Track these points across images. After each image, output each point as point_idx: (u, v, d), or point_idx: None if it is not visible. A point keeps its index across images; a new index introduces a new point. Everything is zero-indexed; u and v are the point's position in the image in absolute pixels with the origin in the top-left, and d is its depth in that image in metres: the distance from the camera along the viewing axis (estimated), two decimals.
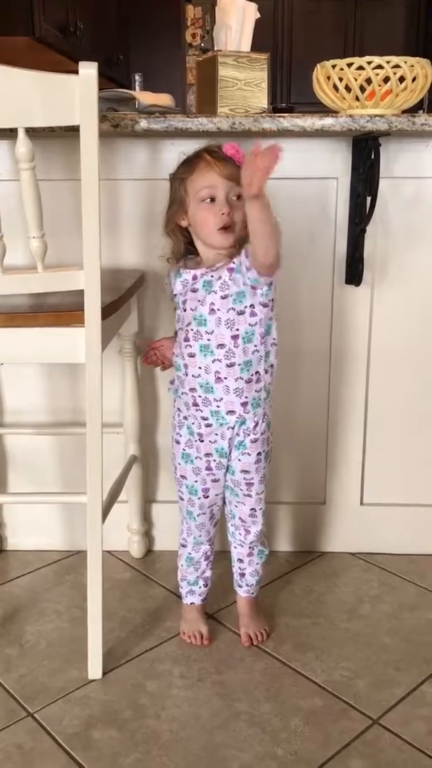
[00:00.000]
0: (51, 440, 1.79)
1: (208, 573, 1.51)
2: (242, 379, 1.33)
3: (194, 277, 1.31)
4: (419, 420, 1.76)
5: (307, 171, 1.60)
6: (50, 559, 1.81)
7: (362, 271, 1.61)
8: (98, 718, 1.29)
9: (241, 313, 1.29)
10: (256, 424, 1.37)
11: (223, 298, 1.29)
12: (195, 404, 1.35)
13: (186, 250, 1.35)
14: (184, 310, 1.33)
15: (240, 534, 1.47)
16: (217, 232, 1.25)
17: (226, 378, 1.32)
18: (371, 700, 1.33)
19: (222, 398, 1.33)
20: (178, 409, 1.41)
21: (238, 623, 1.51)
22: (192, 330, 1.32)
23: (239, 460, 1.39)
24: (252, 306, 1.30)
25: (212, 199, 1.25)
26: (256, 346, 1.32)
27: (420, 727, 1.26)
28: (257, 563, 1.49)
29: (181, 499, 1.46)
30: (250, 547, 1.47)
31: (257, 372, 1.34)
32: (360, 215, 1.57)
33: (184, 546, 1.50)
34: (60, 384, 1.76)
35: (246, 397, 1.34)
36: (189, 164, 1.28)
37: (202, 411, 1.36)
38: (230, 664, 1.43)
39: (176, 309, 1.37)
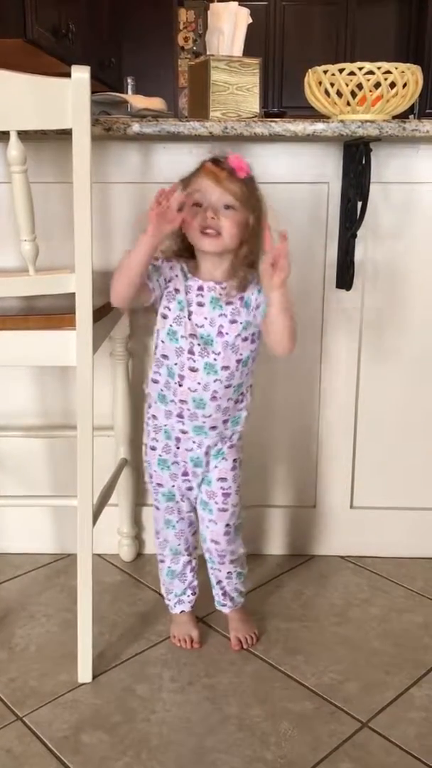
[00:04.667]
0: (41, 443, 1.79)
1: (195, 582, 1.50)
2: (232, 399, 1.35)
3: (200, 288, 1.30)
4: (409, 424, 1.77)
5: (298, 175, 1.61)
6: (40, 562, 1.80)
7: (353, 275, 1.62)
8: (88, 721, 1.28)
9: (245, 339, 1.31)
10: (233, 434, 1.39)
11: (232, 323, 1.30)
12: (179, 415, 1.34)
13: (179, 253, 1.33)
14: (190, 318, 1.30)
15: (215, 558, 1.45)
16: (200, 235, 1.24)
17: (221, 398, 1.33)
18: (361, 704, 1.33)
19: (211, 415, 1.34)
20: (154, 416, 1.38)
21: (228, 627, 1.51)
22: (199, 345, 1.30)
23: (216, 467, 1.39)
24: (253, 333, 1.32)
25: (200, 205, 1.24)
26: (249, 368, 1.35)
27: (409, 730, 1.27)
28: (236, 583, 1.48)
29: (158, 508, 1.44)
30: (228, 572, 1.46)
31: (243, 393, 1.37)
32: (351, 220, 1.58)
33: (162, 561, 1.49)
34: (51, 387, 1.76)
35: (229, 415, 1.36)
36: (193, 171, 1.28)
37: (184, 424, 1.35)
38: (220, 667, 1.43)
39: (168, 300, 1.30)
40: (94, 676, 1.39)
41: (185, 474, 1.40)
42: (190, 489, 1.42)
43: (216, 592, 1.49)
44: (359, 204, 1.55)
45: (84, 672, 1.38)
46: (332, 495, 1.81)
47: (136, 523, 1.81)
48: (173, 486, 1.41)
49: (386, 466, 1.79)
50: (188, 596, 1.50)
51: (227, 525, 1.41)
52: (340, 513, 1.82)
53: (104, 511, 1.47)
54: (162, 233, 1.21)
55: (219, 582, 1.48)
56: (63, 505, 1.56)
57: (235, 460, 1.40)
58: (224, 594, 1.48)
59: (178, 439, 1.37)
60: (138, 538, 1.82)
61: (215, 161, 1.25)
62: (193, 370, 1.30)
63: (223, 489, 1.39)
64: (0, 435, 1.76)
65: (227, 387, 1.32)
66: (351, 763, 1.20)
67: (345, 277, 1.63)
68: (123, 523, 1.78)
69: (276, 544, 1.84)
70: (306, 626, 1.56)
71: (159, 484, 1.42)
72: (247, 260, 1.28)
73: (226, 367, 1.31)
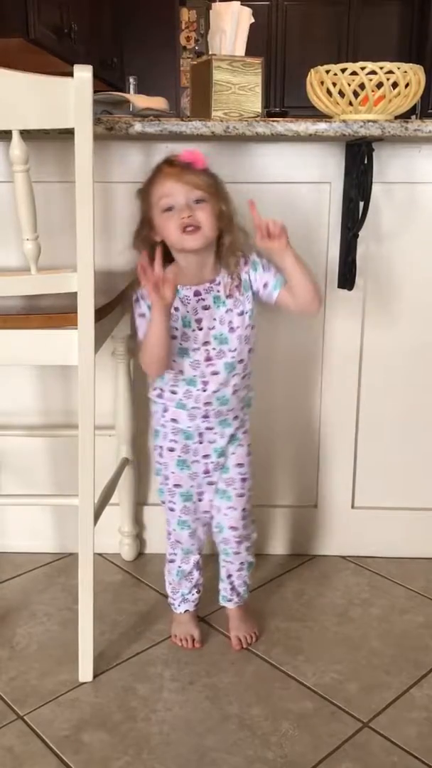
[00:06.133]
0: (43, 442, 1.79)
1: (201, 581, 1.50)
2: (246, 387, 1.38)
3: (197, 293, 1.29)
4: (410, 424, 1.76)
5: (300, 175, 1.61)
6: (41, 561, 1.80)
7: (354, 275, 1.62)
8: (88, 721, 1.28)
9: (252, 327, 1.33)
10: (245, 412, 1.42)
11: (240, 315, 1.31)
12: (205, 416, 1.35)
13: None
14: (200, 330, 1.30)
15: (231, 548, 1.45)
16: (181, 235, 1.24)
17: (238, 390, 1.36)
18: (361, 704, 1.33)
19: (233, 407, 1.37)
20: (174, 419, 1.37)
21: (229, 626, 1.51)
22: (214, 350, 1.31)
23: (233, 453, 1.41)
24: (253, 318, 1.34)
25: (171, 209, 1.24)
26: (253, 350, 1.37)
27: (410, 730, 1.27)
28: (246, 575, 1.49)
29: (172, 510, 1.44)
30: (240, 563, 1.47)
31: (249, 373, 1.39)
32: (353, 220, 1.58)
33: (172, 561, 1.49)
34: (52, 386, 1.76)
35: (244, 401, 1.40)
36: (149, 179, 1.28)
37: (210, 422, 1.36)
38: (221, 667, 1.43)
39: (173, 321, 1.28)
40: (95, 675, 1.39)
41: (206, 471, 1.41)
42: (210, 484, 1.42)
43: (224, 586, 1.49)
44: (361, 204, 1.55)
45: (85, 671, 1.38)
46: (333, 495, 1.81)
47: (137, 522, 1.81)
48: (192, 486, 1.42)
49: (387, 466, 1.79)
50: (193, 595, 1.50)
51: (244, 509, 1.44)
52: (341, 513, 1.82)
53: (105, 511, 1.47)
54: (168, 299, 1.21)
55: (229, 576, 1.48)
56: (64, 505, 1.57)
57: (249, 445, 1.43)
58: (232, 588, 1.49)
59: (201, 435, 1.38)
60: (139, 538, 1.82)
61: (169, 162, 1.25)
62: (215, 373, 1.32)
63: (241, 474, 1.42)
64: (1, 434, 1.76)
65: (243, 377, 1.36)
66: (351, 762, 1.20)
67: (347, 277, 1.63)
68: (124, 523, 1.79)
69: (277, 544, 1.84)
70: (307, 626, 1.56)
71: (177, 485, 1.42)
72: (232, 248, 1.28)
73: (241, 360, 1.33)
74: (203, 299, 1.30)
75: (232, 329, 1.31)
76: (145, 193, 1.28)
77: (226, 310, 1.30)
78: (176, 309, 1.29)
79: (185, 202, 1.23)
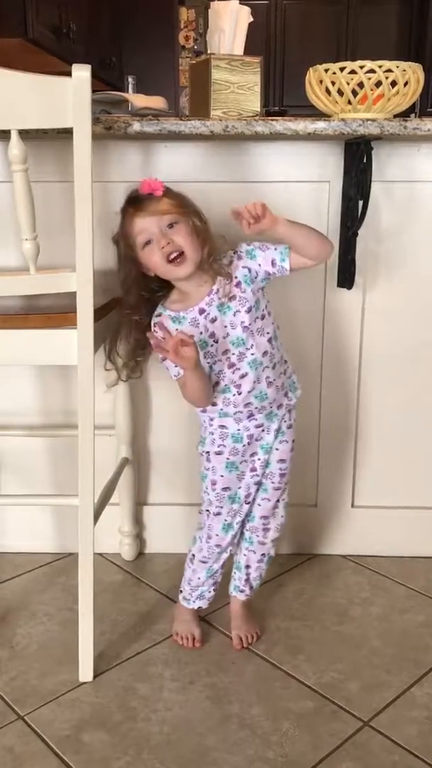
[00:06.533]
0: (42, 442, 1.79)
1: (220, 578, 1.51)
2: (282, 373, 1.38)
3: (202, 311, 1.29)
4: (410, 422, 1.76)
5: (300, 174, 1.61)
6: (41, 561, 1.80)
7: (354, 274, 1.62)
8: (89, 720, 1.28)
9: (262, 318, 1.33)
10: (290, 410, 1.42)
11: (248, 311, 1.30)
12: (250, 415, 1.36)
13: (146, 303, 1.33)
14: (215, 342, 1.30)
15: (258, 536, 1.47)
16: (169, 266, 1.25)
17: (274, 380, 1.35)
18: (362, 703, 1.33)
19: (274, 399, 1.37)
20: (223, 426, 1.37)
21: (230, 626, 1.51)
22: (234, 355, 1.31)
23: (277, 449, 1.41)
24: (265, 307, 1.34)
25: (148, 242, 1.24)
26: (279, 339, 1.37)
27: (410, 729, 1.27)
28: (263, 569, 1.50)
29: (218, 514, 1.43)
30: (261, 555, 1.48)
31: (285, 360, 1.41)
32: (352, 218, 1.58)
33: (204, 562, 1.47)
34: (52, 386, 1.76)
35: (285, 387, 1.40)
36: (120, 224, 1.28)
37: (257, 419, 1.37)
38: (221, 666, 1.43)
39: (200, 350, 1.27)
40: (95, 675, 1.39)
41: (253, 470, 1.41)
42: (258, 483, 1.43)
43: (239, 576, 1.50)
44: (360, 203, 1.55)
45: (85, 671, 1.38)
46: (333, 494, 1.81)
47: (138, 522, 1.81)
48: (239, 488, 1.42)
49: (388, 466, 1.79)
50: (211, 593, 1.50)
51: (277, 501, 1.45)
52: (341, 512, 1.81)
53: (105, 511, 1.47)
54: (192, 359, 1.21)
55: (248, 566, 1.49)
56: (64, 504, 1.57)
57: (293, 441, 1.44)
58: (246, 580, 1.49)
59: (250, 436, 1.38)
60: (139, 537, 1.82)
61: (131, 200, 1.26)
62: (243, 376, 1.32)
63: (281, 470, 1.43)
64: (1, 434, 1.76)
65: (274, 368, 1.35)
66: (352, 762, 1.20)
67: (346, 276, 1.63)
68: (124, 523, 1.78)
69: (277, 543, 1.83)
70: (307, 625, 1.56)
71: (225, 488, 1.41)
72: (212, 255, 1.28)
73: (265, 353, 1.33)
74: (209, 313, 1.29)
75: (245, 328, 1.30)
76: (121, 237, 1.28)
77: (233, 313, 1.29)
78: (191, 336, 1.27)
79: (159, 230, 1.24)
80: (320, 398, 1.75)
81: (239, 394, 1.33)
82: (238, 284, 1.30)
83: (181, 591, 1.52)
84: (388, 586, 1.71)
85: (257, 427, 1.38)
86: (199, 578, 1.48)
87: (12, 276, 1.26)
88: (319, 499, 1.81)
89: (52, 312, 1.27)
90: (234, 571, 1.51)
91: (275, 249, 1.31)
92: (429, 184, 1.62)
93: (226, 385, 1.33)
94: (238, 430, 1.37)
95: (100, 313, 1.28)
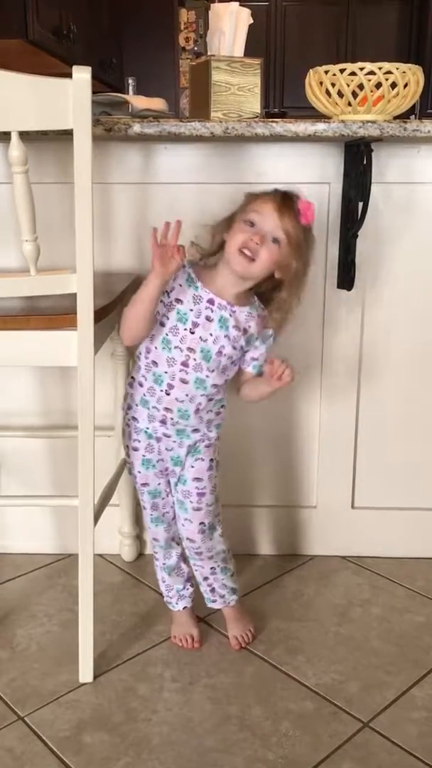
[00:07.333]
0: (43, 443, 1.79)
1: (191, 572, 1.50)
2: (213, 411, 1.37)
3: (211, 301, 1.29)
4: (409, 424, 1.77)
5: (300, 176, 1.61)
6: (41, 562, 1.80)
7: (354, 275, 1.62)
8: (89, 721, 1.28)
9: (234, 363, 1.34)
10: (211, 431, 1.40)
11: (234, 348, 1.31)
12: (162, 422, 1.35)
13: (204, 254, 1.34)
14: (192, 332, 1.29)
15: (192, 557, 1.46)
16: (236, 252, 1.24)
17: (203, 410, 1.34)
18: (362, 704, 1.33)
19: (194, 426, 1.36)
20: (135, 418, 1.38)
21: (226, 627, 1.51)
22: (194, 360, 1.29)
23: (192, 467, 1.39)
24: (241, 364, 1.36)
25: (252, 225, 1.24)
26: (227, 385, 1.38)
27: (410, 730, 1.27)
28: (223, 578, 1.48)
29: (145, 508, 1.44)
30: (211, 568, 1.46)
31: (223, 405, 1.40)
32: (352, 220, 1.58)
33: (157, 559, 1.49)
34: (52, 387, 1.76)
35: (210, 421, 1.39)
36: (260, 193, 1.28)
37: (167, 428, 1.35)
38: (221, 667, 1.43)
39: (168, 310, 1.29)
40: (95, 676, 1.39)
41: (165, 471, 1.41)
42: (173, 484, 1.42)
43: (204, 588, 1.49)
44: (360, 204, 1.55)
45: (85, 672, 1.38)
46: (333, 495, 1.81)
47: (137, 523, 1.81)
48: (159, 483, 1.41)
49: (387, 466, 1.79)
50: (188, 590, 1.50)
51: (201, 523, 1.41)
52: (340, 513, 1.82)
53: (105, 511, 1.47)
54: (169, 271, 1.22)
55: (206, 579, 1.48)
56: (64, 505, 1.57)
57: (211, 460, 1.40)
58: (212, 590, 1.49)
59: (158, 440, 1.37)
60: (139, 538, 1.82)
61: (287, 195, 1.26)
62: (183, 381, 1.30)
63: (198, 489, 1.39)
64: (1, 435, 1.76)
65: (210, 400, 1.34)
66: (352, 763, 1.20)
67: (346, 278, 1.63)
68: (124, 523, 1.79)
69: (277, 545, 1.84)
70: (307, 626, 1.56)
71: (144, 484, 1.42)
72: (283, 304, 1.30)
73: (215, 385, 1.32)
74: (212, 311, 1.29)
75: (220, 353, 1.30)
76: (247, 199, 1.29)
77: (224, 335, 1.29)
78: (179, 301, 1.29)
79: (267, 232, 1.23)
80: (320, 399, 1.75)
81: (167, 395, 1.32)
82: (245, 331, 1.31)
83: (163, 596, 1.53)
84: (387, 586, 1.71)
85: (165, 435, 1.36)
86: (164, 576, 1.49)
87: (12, 277, 1.26)
88: (318, 500, 1.82)
89: (52, 313, 1.27)
90: (199, 585, 1.50)
91: (263, 359, 1.35)
92: (429, 186, 1.62)
93: (164, 373, 1.31)
94: (147, 428, 1.37)
95: (100, 314, 1.28)
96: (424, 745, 1.23)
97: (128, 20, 4.47)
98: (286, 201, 1.25)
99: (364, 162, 1.51)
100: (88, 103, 1.13)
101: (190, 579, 1.50)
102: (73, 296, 1.23)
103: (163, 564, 1.48)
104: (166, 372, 1.31)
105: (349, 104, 1.47)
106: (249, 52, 1.61)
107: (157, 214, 1.62)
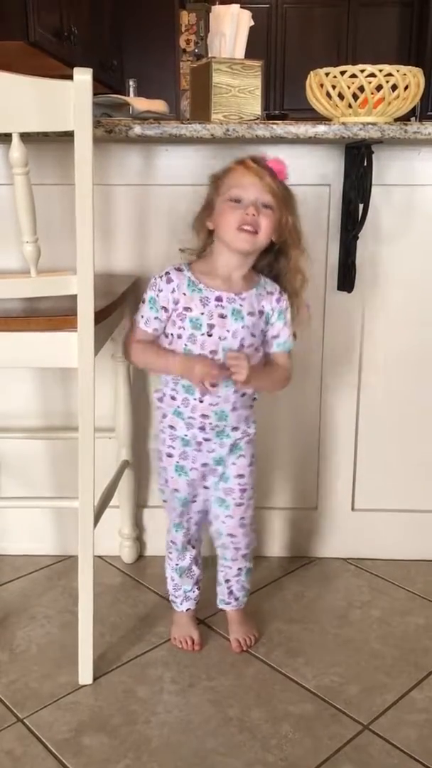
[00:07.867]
0: (43, 444, 1.79)
1: (201, 576, 1.51)
2: (247, 405, 1.37)
3: (218, 299, 1.28)
4: (410, 426, 1.76)
5: (300, 178, 1.60)
6: (41, 564, 1.80)
7: (354, 277, 1.62)
8: (88, 723, 1.28)
9: (257, 350, 1.33)
10: (249, 427, 1.40)
11: (253, 336, 1.30)
12: (201, 428, 1.34)
13: (202, 251, 1.34)
14: (210, 335, 1.27)
15: (229, 553, 1.45)
16: (236, 231, 1.23)
17: (240, 408, 1.34)
18: (362, 706, 1.33)
19: (234, 425, 1.36)
20: (172, 426, 1.37)
21: (228, 629, 1.51)
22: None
23: (234, 464, 1.39)
24: (261, 345, 1.34)
25: (239, 201, 1.23)
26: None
27: (410, 732, 1.27)
28: (244, 581, 1.49)
29: (172, 512, 1.44)
30: (238, 569, 1.47)
31: (252, 397, 1.38)
32: (352, 222, 1.58)
33: (171, 559, 1.49)
34: (52, 388, 1.76)
35: (248, 417, 1.39)
36: (226, 167, 1.27)
37: (207, 434, 1.35)
38: (221, 669, 1.43)
39: (181, 319, 1.28)
40: (95, 678, 1.39)
41: (203, 478, 1.40)
42: (206, 488, 1.42)
43: (221, 590, 1.49)
44: (360, 206, 1.55)
45: (85, 674, 1.38)
46: (333, 497, 1.81)
47: (138, 524, 1.81)
48: (188, 492, 1.41)
49: (387, 469, 1.79)
50: (194, 592, 1.50)
51: (242, 518, 1.42)
52: (341, 515, 1.81)
53: (105, 513, 1.47)
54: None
55: (227, 580, 1.48)
56: (64, 507, 1.57)
57: (252, 456, 1.41)
58: (230, 593, 1.49)
59: (199, 443, 1.36)
60: (139, 540, 1.82)
61: (254, 159, 1.25)
62: (213, 386, 1.27)
63: (240, 485, 1.40)
64: (1, 436, 1.76)
65: (243, 395, 1.33)
66: (352, 765, 1.19)
67: (346, 280, 1.63)
68: (124, 525, 1.78)
69: (277, 546, 1.84)
70: (307, 628, 1.56)
71: (176, 490, 1.41)
72: (294, 266, 1.30)
73: None
74: (222, 307, 1.28)
75: (242, 346, 1.28)
76: (217, 179, 1.28)
77: (242, 326, 1.28)
78: (189, 309, 1.28)
79: (255, 200, 1.23)
80: (320, 401, 1.75)
81: (201, 402, 1.31)
82: (261, 312, 1.30)
83: (168, 595, 1.53)
84: (388, 589, 1.71)
85: (206, 440, 1.36)
86: (174, 576, 1.49)
87: (13, 279, 1.26)
88: (319, 502, 1.81)
89: (53, 315, 1.27)
90: (216, 585, 1.50)
91: (288, 335, 1.35)
92: (429, 188, 1.62)
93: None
94: (186, 435, 1.36)
95: (100, 315, 1.28)
96: (424, 748, 1.23)
97: (129, 22, 4.48)
98: (260, 165, 1.24)
99: (365, 164, 1.51)
100: (89, 105, 1.13)
101: (199, 582, 1.50)
102: (74, 297, 1.23)
103: (176, 565, 1.48)
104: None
105: (350, 106, 1.48)
106: (249, 54, 1.62)
107: (157, 215, 1.62)
